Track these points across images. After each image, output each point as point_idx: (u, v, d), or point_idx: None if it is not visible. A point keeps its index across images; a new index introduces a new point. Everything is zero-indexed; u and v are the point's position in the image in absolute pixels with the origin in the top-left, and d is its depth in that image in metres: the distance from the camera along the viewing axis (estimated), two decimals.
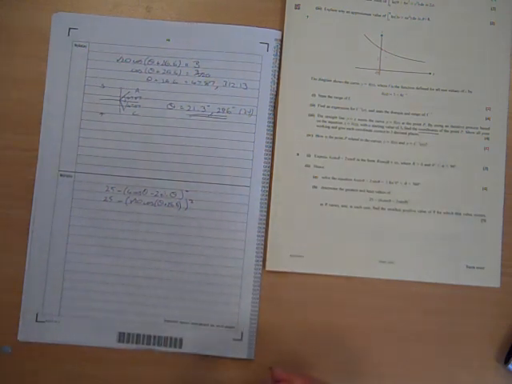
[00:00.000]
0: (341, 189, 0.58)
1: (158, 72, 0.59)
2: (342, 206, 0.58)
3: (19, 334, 0.56)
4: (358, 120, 0.59)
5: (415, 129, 0.59)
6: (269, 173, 0.58)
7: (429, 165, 0.58)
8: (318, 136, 0.58)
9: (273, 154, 0.58)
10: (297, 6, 0.59)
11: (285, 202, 0.58)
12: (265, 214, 0.58)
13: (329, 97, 0.59)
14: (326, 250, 0.57)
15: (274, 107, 0.59)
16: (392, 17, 0.60)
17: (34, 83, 0.59)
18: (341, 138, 0.59)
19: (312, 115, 0.59)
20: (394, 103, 0.59)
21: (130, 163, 0.58)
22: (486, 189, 0.58)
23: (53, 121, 0.58)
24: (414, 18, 0.60)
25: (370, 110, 0.59)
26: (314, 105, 0.59)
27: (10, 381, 0.56)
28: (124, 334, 0.57)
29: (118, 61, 0.59)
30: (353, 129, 0.59)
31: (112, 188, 0.58)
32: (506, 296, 0.58)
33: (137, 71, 0.59)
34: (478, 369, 0.57)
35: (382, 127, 0.59)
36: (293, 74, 0.59)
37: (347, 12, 0.59)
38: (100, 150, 0.58)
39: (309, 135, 0.58)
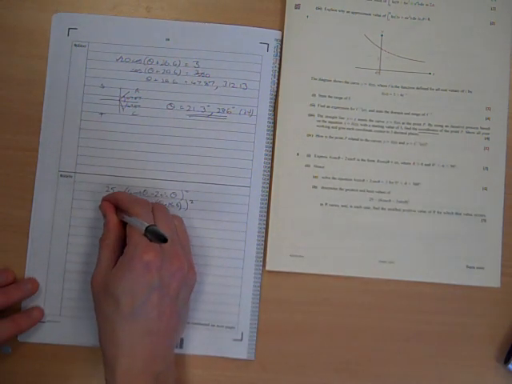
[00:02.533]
0: (341, 189, 0.58)
1: (157, 72, 0.59)
2: (342, 206, 0.58)
3: (19, 334, 0.56)
4: (358, 120, 0.59)
5: (415, 129, 0.59)
6: (269, 173, 0.58)
7: (429, 165, 0.58)
8: (318, 136, 0.58)
9: (273, 154, 0.58)
10: (297, 6, 0.59)
11: (285, 202, 0.58)
12: (265, 214, 0.58)
13: (329, 97, 0.59)
14: (325, 250, 0.57)
15: (274, 107, 0.59)
16: (392, 17, 0.60)
17: (34, 83, 0.59)
18: (341, 138, 0.59)
19: (312, 115, 0.59)
20: (393, 103, 0.59)
21: (130, 163, 0.58)
22: (485, 189, 0.58)
23: (53, 121, 0.58)
24: (414, 18, 0.60)
25: (370, 110, 0.59)
26: (314, 105, 0.59)
27: (10, 381, 0.56)
28: None
29: (117, 61, 0.59)
30: (353, 129, 0.59)
31: (112, 188, 0.58)
32: (506, 296, 0.58)
33: (136, 71, 0.59)
34: (478, 369, 0.57)
35: (382, 127, 0.59)
36: (293, 73, 0.59)
37: (347, 12, 0.59)
38: (100, 150, 0.58)
39: (309, 135, 0.58)
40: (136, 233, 0.50)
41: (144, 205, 0.53)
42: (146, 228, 0.50)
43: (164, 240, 0.49)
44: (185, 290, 0.53)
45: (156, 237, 0.49)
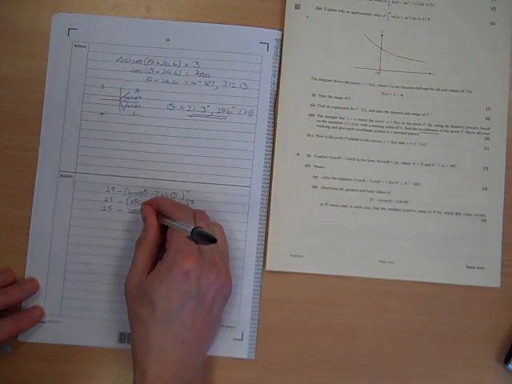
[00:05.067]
0: (341, 189, 0.58)
1: (157, 72, 0.59)
2: (342, 206, 0.58)
3: (19, 334, 0.56)
4: (358, 120, 0.59)
5: (415, 129, 0.59)
6: (269, 173, 0.58)
7: (429, 165, 0.58)
8: (318, 136, 0.59)
9: (273, 154, 0.58)
10: (297, 6, 0.59)
11: (285, 202, 0.58)
12: (265, 214, 0.58)
13: (329, 97, 0.59)
14: (325, 250, 0.57)
15: (274, 107, 0.59)
16: (392, 17, 0.60)
17: (34, 83, 0.59)
18: (341, 138, 0.59)
19: (312, 115, 0.59)
20: (393, 103, 0.59)
21: (130, 163, 0.58)
22: (486, 189, 0.58)
23: (53, 121, 0.58)
24: (414, 18, 0.60)
25: (370, 110, 0.59)
26: (314, 105, 0.59)
27: (10, 381, 0.56)
28: (125, 334, 0.57)
29: (117, 61, 0.59)
30: (353, 129, 0.59)
31: (112, 188, 0.58)
32: (506, 296, 0.58)
33: (137, 71, 0.59)
34: (478, 369, 0.57)
35: (382, 127, 0.59)
36: (293, 74, 0.59)
37: (347, 12, 0.59)
38: (100, 150, 0.58)
39: (309, 135, 0.58)
40: (178, 238, 0.50)
41: (187, 210, 0.53)
42: (193, 229, 0.49)
43: (213, 240, 0.48)
44: (220, 300, 0.52)
45: (204, 238, 0.48)
